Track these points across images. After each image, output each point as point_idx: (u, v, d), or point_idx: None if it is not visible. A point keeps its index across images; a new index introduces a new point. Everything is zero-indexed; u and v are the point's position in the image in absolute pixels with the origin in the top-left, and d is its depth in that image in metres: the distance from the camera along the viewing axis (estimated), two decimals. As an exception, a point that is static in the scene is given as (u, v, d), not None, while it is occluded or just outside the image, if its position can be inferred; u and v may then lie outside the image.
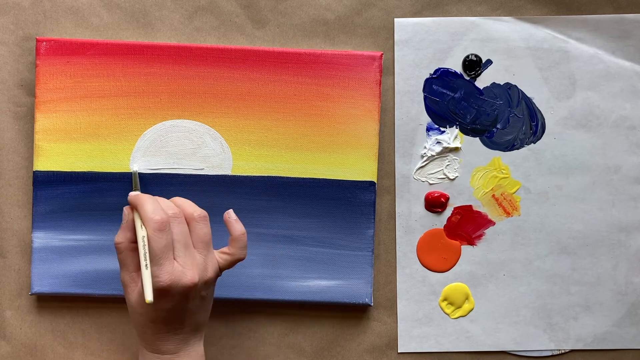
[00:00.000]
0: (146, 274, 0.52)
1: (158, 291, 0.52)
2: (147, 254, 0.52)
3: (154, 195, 0.62)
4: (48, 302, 0.64)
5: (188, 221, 0.55)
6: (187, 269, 0.53)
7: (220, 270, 0.56)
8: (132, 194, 0.56)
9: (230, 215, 0.57)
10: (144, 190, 0.62)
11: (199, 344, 0.56)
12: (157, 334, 0.54)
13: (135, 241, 0.55)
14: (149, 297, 0.51)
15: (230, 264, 0.56)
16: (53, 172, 0.62)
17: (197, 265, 0.53)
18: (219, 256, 0.56)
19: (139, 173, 0.62)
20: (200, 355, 0.56)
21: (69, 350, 0.64)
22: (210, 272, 0.54)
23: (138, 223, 0.54)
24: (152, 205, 0.53)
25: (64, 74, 0.62)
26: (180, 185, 0.62)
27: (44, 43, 0.61)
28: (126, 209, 0.56)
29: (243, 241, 0.57)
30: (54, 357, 0.64)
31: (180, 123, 0.62)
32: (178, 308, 0.53)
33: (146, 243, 0.53)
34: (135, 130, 0.62)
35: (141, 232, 0.54)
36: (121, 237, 0.55)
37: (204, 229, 0.55)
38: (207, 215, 0.55)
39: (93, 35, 0.63)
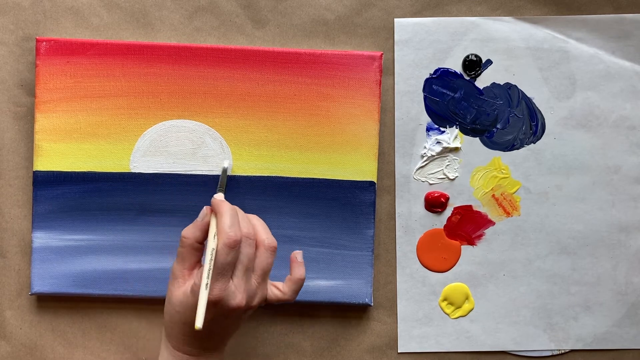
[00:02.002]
0: (203, 296, 0.51)
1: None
2: (211, 271, 0.52)
3: (157, 194, 0.62)
4: (48, 302, 0.64)
5: (256, 245, 0.55)
6: (238, 291, 0.53)
7: (266, 302, 0.56)
8: (216, 197, 0.56)
9: (297, 256, 0.57)
10: (143, 190, 0.62)
11: (221, 353, 0.57)
12: (185, 335, 0.54)
13: (200, 241, 0.55)
14: (199, 323, 0.50)
15: (277, 302, 0.56)
16: (53, 172, 0.62)
17: (248, 291, 0.53)
18: (271, 289, 0.56)
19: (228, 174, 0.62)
20: None
21: (69, 350, 0.64)
22: (256, 301, 0.54)
23: (212, 231, 0.54)
24: (230, 219, 0.53)
25: (64, 74, 0.62)
26: (180, 185, 0.63)
27: (44, 43, 0.61)
28: (206, 209, 0.55)
29: (299, 286, 0.57)
30: (54, 357, 0.64)
31: (180, 123, 0.62)
32: (214, 322, 0.53)
33: (213, 257, 0.52)
34: (135, 130, 0.62)
35: (212, 244, 0.53)
36: (190, 232, 0.54)
37: (268, 258, 0.55)
38: (276, 247, 0.55)
39: (93, 35, 0.63)
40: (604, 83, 0.64)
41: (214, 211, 0.55)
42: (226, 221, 0.53)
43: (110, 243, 0.63)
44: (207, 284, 0.51)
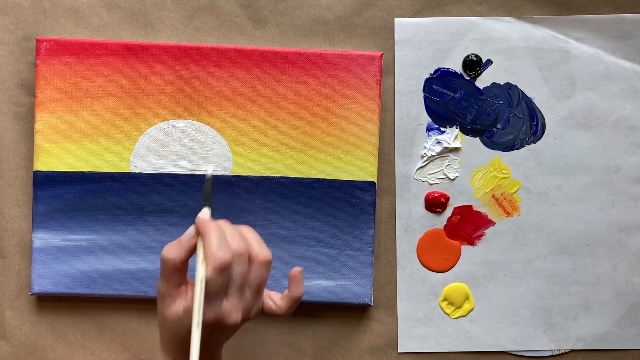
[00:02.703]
0: (196, 336, 0.48)
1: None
2: (201, 307, 0.49)
3: (157, 194, 0.62)
4: (48, 302, 0.64)
5: (250, 260, 0.52)
6: (234, 310, 0.51)
7: (262, 312, 0.55)
8: (201, 216, 0.52)
9: (297, 275, 0.55)
10: (143, 190, 0.62)
11: (218, 358, 0.56)
12: (181, 350, 0.53)
13: (185, 261, 0.52)
14: None
15: (272, 314, 0.55)
16: (53, 172, 0.62)
17: (244, 307, 0.52)
18: (267, 301, 0.55)
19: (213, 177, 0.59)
20: None
21: (69, 350, 0.64)
22: (252, 314, 0.53)
23: (200, 256, 0.51)
24: (217, 240, 0.50)
25: (64, 74, 0.62)
26: (180, 185, 0.63)
27: (44, 43, 0.61)
28: (192, 229, 0.52)
29: (295, 303, 0.56)
30: (54, 357, 0.64)
31: (180, 123, 0.62)
32: (210, 335, 0.52)
33: (203, 287, 0.49)
34: (135, 130, 0.62)
35: (200, 272, 0.50)
36: (174, 253, 0.51)
37: (264, 273, 0.52)
38: (271, 260, 0.53)
39: (93, 35, 0.63)
40: (604, 83, 0.64)
41: (199, 232, 0.52)
42: (213, 243, 0.50)
43: (110, 243, 0.63)
44: (198, 322, 0.49)
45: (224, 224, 0.53)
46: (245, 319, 0.53)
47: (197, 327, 0.49)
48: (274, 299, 0.56)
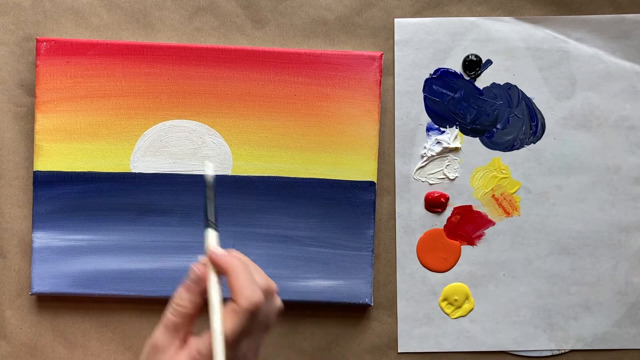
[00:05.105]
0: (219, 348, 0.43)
1: None
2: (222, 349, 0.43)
3: (157, 194, 0.62)
4: (48, 302, 0.64)
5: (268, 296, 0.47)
6: (252, 356, 0.46)
7: None
8: (215, 251, 0.46)
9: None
10: (144, 190, 0.62)
11: None
12: None
13: (200, 308, 0.46)
14: None
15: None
16: (53, 172, 0.62)
17: (258, 352, 0.46)
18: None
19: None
20: None
21: (69, 350, 0.64)
22: (259, 356, 0.47)
23: (215, 296, 0.45)
24: (248, 279, 0.44)
25: (64, 74, 0.62)
26: (180, 185, 0.63)
27: (44, 43, 0.61)
28: (199, 267, 0.46)
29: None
30: (54, 357, 0.64)
31: (180, 123, 0.63)
32: None
33: (223, 340, 0.43)
34: (135, 130, 0.62)
35: (217, 321, 0.44)
36: (186, 300, 0.45)
37: (277, 303, 0.47)
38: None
39: (93, 35, 0.63)
40: (604, 83, 0.64)
41: (221, 270, 0.46)
42: (245, 283, 0.44)
43: (110, 243, 0.63)
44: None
45: (240, 255, 0.47)
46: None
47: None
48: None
